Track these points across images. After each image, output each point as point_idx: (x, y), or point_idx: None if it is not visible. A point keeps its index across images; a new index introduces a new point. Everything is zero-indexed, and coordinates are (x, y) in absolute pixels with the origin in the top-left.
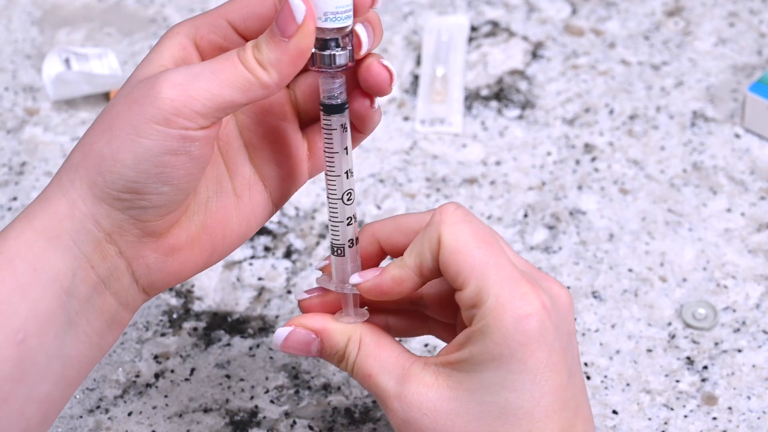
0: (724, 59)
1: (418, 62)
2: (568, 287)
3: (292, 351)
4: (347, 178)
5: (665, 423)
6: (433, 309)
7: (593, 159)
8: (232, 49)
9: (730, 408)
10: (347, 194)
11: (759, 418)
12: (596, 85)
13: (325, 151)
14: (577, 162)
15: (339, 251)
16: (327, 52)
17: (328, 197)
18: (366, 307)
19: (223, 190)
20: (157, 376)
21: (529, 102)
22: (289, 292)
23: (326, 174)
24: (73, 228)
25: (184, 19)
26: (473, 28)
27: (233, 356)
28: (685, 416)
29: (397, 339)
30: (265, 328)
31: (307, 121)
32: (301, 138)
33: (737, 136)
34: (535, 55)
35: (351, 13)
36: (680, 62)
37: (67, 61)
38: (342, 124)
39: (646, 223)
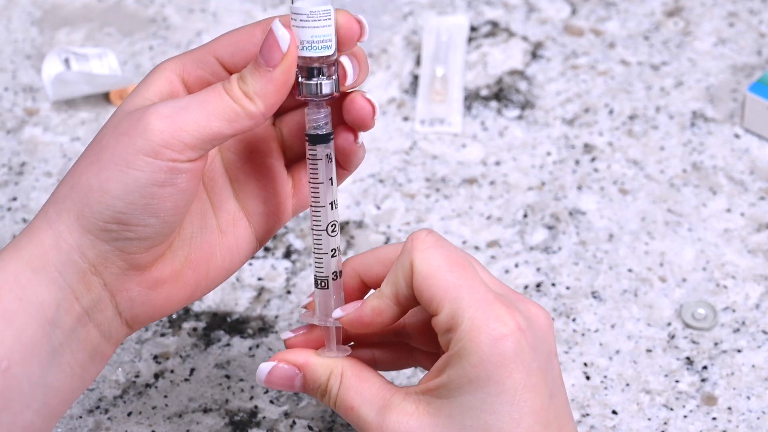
0: (724, 59)
1: (418, 62)
2: (568, 288)
3: (275, 386)
4: (332, 209)
5: (665, 423)
6: (417, 339)
7: (593, 159)
8: None
9: (729, 408)
10: (331, 226)
11: (759, 418)
12: (596, 86)
13: (309, 182)
14: (577, 162)
15: (323, 284)
16: (313, 81)
17: (312, 228)
18: (351, 343)
19: (207, 226)
20: (156, 376)
21: (528, 102)
22: (288, 292)
23: (311, 205)
24: (59, 259)
25: (171, 57)
26: (473, 28)
27: (233, 356)
28: (685, 416)
29: (387, 372)
30: (265, 328)
31: (292, 159)
32: (286, 175)
33: (737, 136)
34: (534, 56)
35: (330, 44)
36: (680, 62)
37: (66, 62)
38: (327, 155)
39: (646, 223)
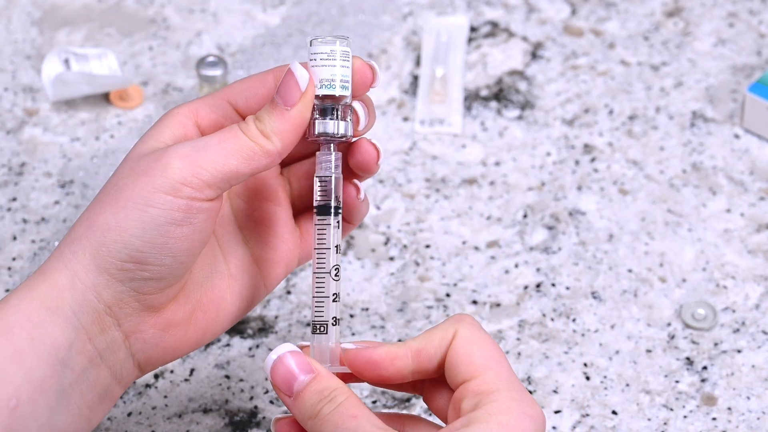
0: (724, 60)
1: (418, 63)
2: (568, 288)
3: (280, 373)
4: (337, 252)
5: (665, 423)
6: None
7: (593, 159)
8: None
9: (729, 408)
10: (335, 269)
11: (758, 419)
12: (596, 86)
13: (315, 224)
14: (577, 162)
15: (321, 328)
16: (329, 121)
17: (314, 272)
18: None
19: (218, 271)
20: (156, 376)
21: (528, 102)
22: (288, 292)
23: (315, 248)
24: (73, 299)
25: (184, 102)
26: (473, 29)
27: (233, 357)
28: (685, 417)
29: None
30: (265, 328)
31: (300, 210)
32: (293, 225)
33: (737, 136)
34: (534, 56)
35: (348, 84)
36: (680, 63)
37: (66, 62)
38: (337, 197)
39: (646, 223)
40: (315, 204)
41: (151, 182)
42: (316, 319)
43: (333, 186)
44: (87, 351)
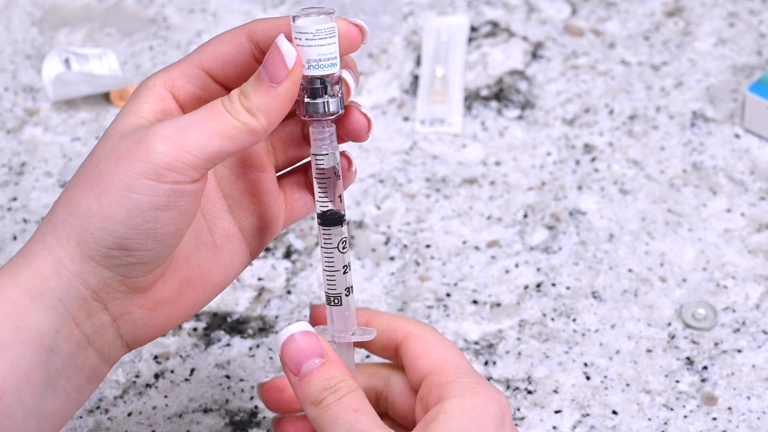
0: (724, 59)
1: (418, 62)
2: (568, 288)
3: (291, 351)
4: (342, 226)
5: (665, 423)
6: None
7: (593, 159)
8: (211, 98)
9: (729, 408)
10: (342, 242)
11: (759, 419)
12: (596, 86)
13: (318, 200)
14: (577, 162)
15: (335, 301)
16: (319, 100)
17: (322, 247)
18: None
19: (204, 244)
20: (156, 376)
21: (528, 102)
22: (288, 292)
23: (320, 225)
24: (59, 286)
25: (157, 70)
26: (473, 29)
27: (233, 356)
28: (685, 416)
29: None
30: (265, 328)
31: (283, 169)
32: (278, 190)
33: (737, 136)
34: (534, 56)
35: (336, 61)
36: (680, 62)
37: (66, 62)
38: (336, 173)
39: (646, 223)
40: (316, 186)
41: (134, 167)
42: (329, 291)
43: (331, 163)
44: (74, 336)
